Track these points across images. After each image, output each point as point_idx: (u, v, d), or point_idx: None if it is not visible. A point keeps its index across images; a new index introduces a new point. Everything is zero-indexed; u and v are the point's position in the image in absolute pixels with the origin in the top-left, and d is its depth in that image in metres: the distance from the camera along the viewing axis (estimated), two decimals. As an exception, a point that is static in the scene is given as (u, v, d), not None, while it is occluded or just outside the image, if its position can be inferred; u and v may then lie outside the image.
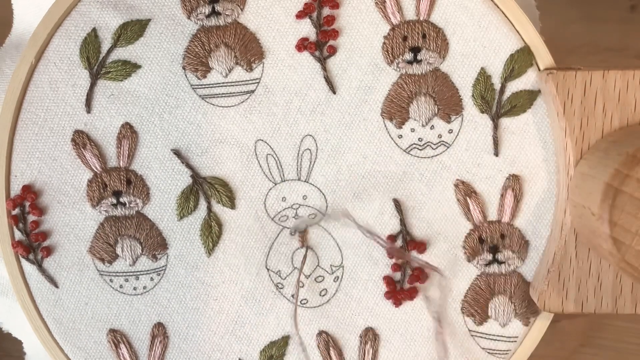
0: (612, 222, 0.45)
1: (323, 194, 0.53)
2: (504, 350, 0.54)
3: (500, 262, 0.53)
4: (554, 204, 0.53)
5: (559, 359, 0.69)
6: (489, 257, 0.53)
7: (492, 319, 0.54)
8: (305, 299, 0.55)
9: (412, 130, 0.53)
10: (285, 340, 0.55)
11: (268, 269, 0.54)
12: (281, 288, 0.55)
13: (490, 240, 0.53)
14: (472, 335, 0.55)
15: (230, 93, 0.53)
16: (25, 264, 0.54)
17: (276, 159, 0.53)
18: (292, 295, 0.55)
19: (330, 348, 0.55)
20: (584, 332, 0.66)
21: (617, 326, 0.64)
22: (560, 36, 0.63)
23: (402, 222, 0.53)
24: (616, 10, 0.64)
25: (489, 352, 0.55)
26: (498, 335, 0.54)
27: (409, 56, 0.52)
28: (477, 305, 0.54)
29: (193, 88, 0.52)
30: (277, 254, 0.54)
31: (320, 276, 0.54)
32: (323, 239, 0.54)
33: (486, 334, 0.54)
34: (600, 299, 0.51)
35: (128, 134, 0.53)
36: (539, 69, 0.52)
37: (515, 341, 0.54)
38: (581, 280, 0.51)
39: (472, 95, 0.52)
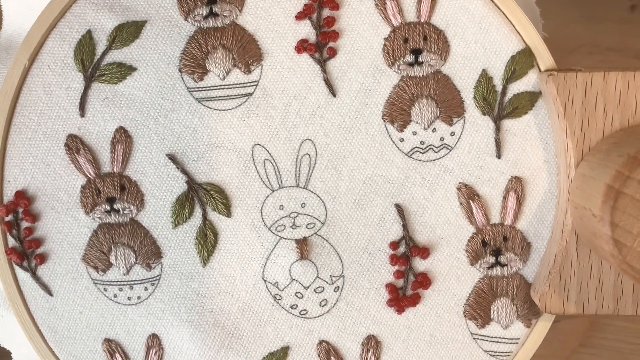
0: (614, 223, 0.46)
1: (322, 201, 0.54)
2: (506, 352, 0.55)
3: (502, 265, 0.54)
4: (555, 206, 0.54)
5: (559, 359, 0.69)
6: (492, 260, 0.54)
7: (495, 322, 0.55)
8: (304, 310, 0.55)
9: (414, 133, 0.53)
10: (284, 351, 0.55)
11: (265, 281, 0.54)
12: (279, 299, 0.55)
13: (493, 243, 0.54)
14: (474, 339, 0.55)
15: (228, 96, 0.53)
16: (19, 272, 0.53)
17: (274, 164, 0.53)
18: (291, 306, 0.55)
19: (332, 357, 0.55)
20: (584, 332, 0.67)
21: (617, 326, 0.64)
22: (560, 36, 0.63)
23: (405, 227, 0.54)
24: (616, 10, 0.65)
25: (491, 355, 0.55)
26: (500, 338, 0.55)
27: (410, 58, 0.52)
28: (479, 308, 0.55)
29: (189, 91, 0.52)
30: (275, 265, 0.54)
31: (319, 287, 0.54)
32: (323, 249, 0.54)
33: (488, 336, 0.55)
34: (602, 301, 0.52)
35: (122, 138, 0.53)
36: (540, 70, 0.53)
37: (517, 343, 0.55)
38: (582, 281, 0.52)
39: (474, 97, 0.53)
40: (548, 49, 0.52)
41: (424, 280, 0.54)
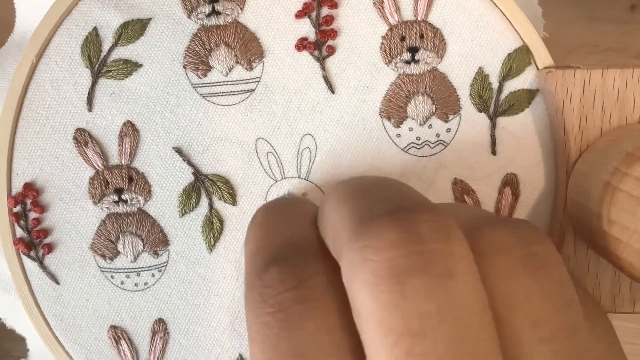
0: (611, 220, 0.43)
1: (322, 192, 0.52)
2: (502, 349, 0.53)
3: (498, 261, 0.52)
4: (551, 203, 0.51)
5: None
6: (487, 255, 0.52)
7: (491, 316, 0.52)
8: (305, 296, 0.53)
9: (410, 129, 0.51)
10: None
11: None
12: None
13: (488, 239, 0.52)
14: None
15: (231, 92, 0.51)
16: (27, 261, 0.52)
17: (276, 156, 0.52)
18: (292, 292, 0.53)
19: (329, 344, 0.53)
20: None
21: (617, 326, 0.62)
22: (560, 36, 0.61)
23: (401, 220, 0.52)
24: (616, 10, 0.62)
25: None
26: (496, 334, 0.53)
27: (407, 56, 0.50)
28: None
29: (194, 87, 0.51)
30: None
31: (319, 273, 0.53)
32: None
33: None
34: (599, 298, 0.49)
35: (129, 132, 0.51)
36: (538, 68, 0.50)
37: (513, 339, 0.53)
38: (579, 278, 0.49)
39: (470, 95, 0.50)
40: (547, 48, 0.50)
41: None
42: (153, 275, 0.53)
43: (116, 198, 0.52)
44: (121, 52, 0.51)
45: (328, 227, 0.36)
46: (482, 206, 0.51)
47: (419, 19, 0.50)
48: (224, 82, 0.51)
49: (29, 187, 0.51)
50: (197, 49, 0.51)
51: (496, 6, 0.49)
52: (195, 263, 0.53)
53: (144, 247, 0.53)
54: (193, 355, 0.54)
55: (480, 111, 0.50)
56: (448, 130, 0.51)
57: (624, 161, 0.43)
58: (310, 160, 0.52)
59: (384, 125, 0.51)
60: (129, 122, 0.51)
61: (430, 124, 0.51)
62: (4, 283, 0.57)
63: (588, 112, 0.48)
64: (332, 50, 0.50)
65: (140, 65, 0.51)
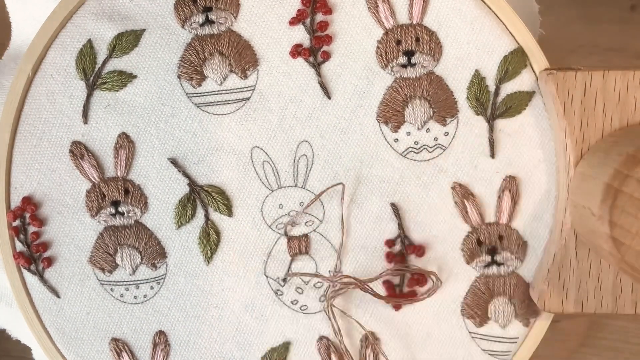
0: (612, 222, 0.45)
1: (320, 200, 0.54)
2: (505, 352, 0.55)
3: (499, 264, 0.54)
4: (552, 205, 0.54)
5: (559, 359, 0.69)
6: (488, 258, 0.54)
7: (492, 321, 0.55)
8: (305, 305, 0.55)
9: (408, 133, 0.53)
10: (285, 346, 0.56)
11: (267, 276, 0.55)
12: (280, 295, 0.55)
13: (489, 242, 0.54)
14: (472, 338, 0.55)
15: (226, 101, 0.53)
16: (27, 275, 0.55)
17: (272, 165, 0.54)
18: (292, 302, 0.55)
19: (332, 353, 0.55)
20: (584, 332, 0.66)
21: (617, 326, 0.63)
22: (560, 36, 0.63)
23: (400, 226, 0.54)
24: (616, 10, 0.64)
25: (489, 354, 0.55)
26: (498, 337, 0.55)
27: (403, 60, 0.52)
28: (477, 307, 0.55)
29: (188, 97, 0.53)
30: (276, 261, 0.55)
31: (319, 282, 0.55)
32: (321, 245, 0.54)
33: (487, 335, 0.55)
34: (601, 299, 0.51)
35: (125, 143, 0.53)
36: (533, 70, 0.52)
37: (515, 342, 0.55)
38: (581, 280, 0.51)
39: (467, 98, 0.53)
40: (548, 49, 0.52)
41: (420, 278, 0.54)
42: (152, 287, 0.55)
43: (113, 210, 0.54)
44: (115, 64, 0.53)
45: None
46: (483, 210, 0.53)
47: (415, 22, 0.52)
48: (218, 91, 0.53)
49: (27, 200, 0.54)
50: (191, 58, 0.53)
51: (490, 9, 0.52)
52: (194, 275, 0.55)
53: (142, 260, 0.55)
54: None
55: (477, 114, 0.53)
56: (446, 134, 0.53)
57: (625, 163, 0.45)
58: (307, 168, 0.54)
59: (381, 130, 0.53)
60: (124, 133, 0.53)
61: (428, 128, 0.53)
62: (6, 297, 0.60)
63: (589, 114, 0.50)
64: (327, 56, 0.53)
65: (135, 77, 0.53)
